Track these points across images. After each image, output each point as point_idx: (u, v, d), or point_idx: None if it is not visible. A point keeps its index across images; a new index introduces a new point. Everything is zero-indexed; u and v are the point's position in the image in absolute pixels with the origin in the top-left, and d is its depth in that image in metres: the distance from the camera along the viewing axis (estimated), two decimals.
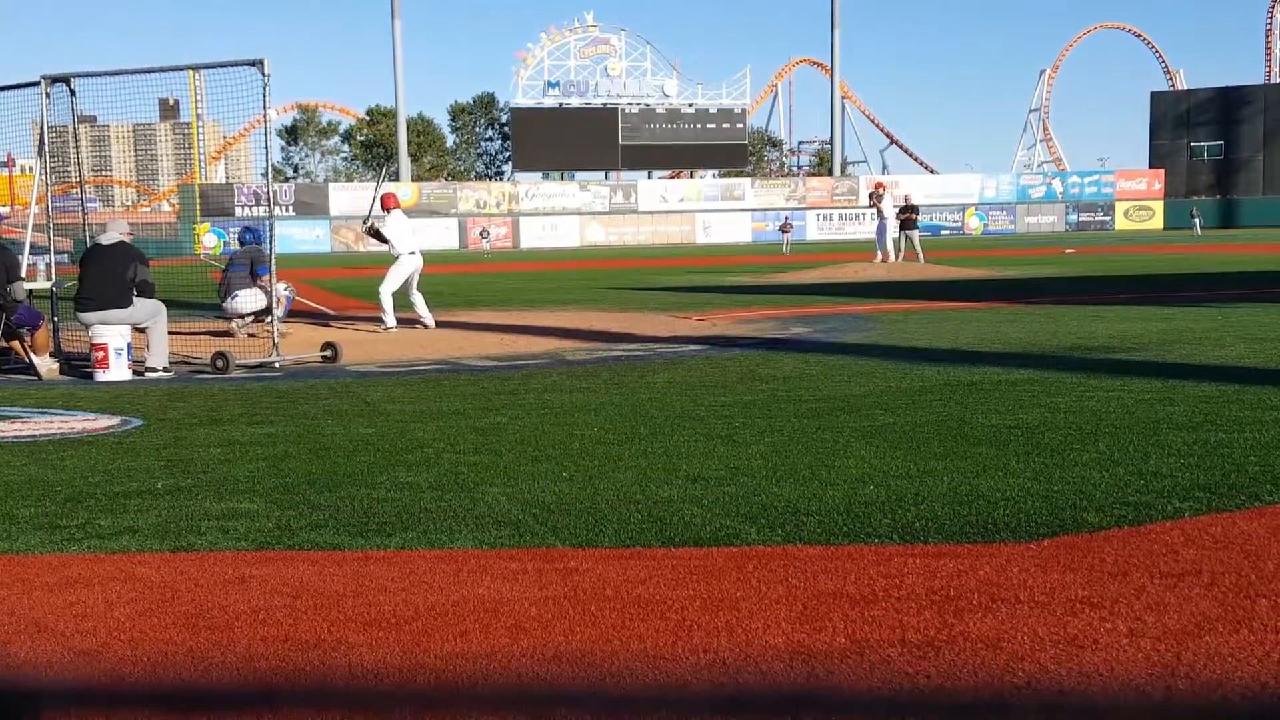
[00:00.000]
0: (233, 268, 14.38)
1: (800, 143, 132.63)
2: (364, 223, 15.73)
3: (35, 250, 13.59)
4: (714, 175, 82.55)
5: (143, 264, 11.19)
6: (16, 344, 11.47)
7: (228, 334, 14.13)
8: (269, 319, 12.04)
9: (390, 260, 15.11)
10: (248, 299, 13.98)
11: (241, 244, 14.75)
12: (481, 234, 65.18)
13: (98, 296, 11.00)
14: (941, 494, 5.23)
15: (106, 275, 11.03)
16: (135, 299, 11.09)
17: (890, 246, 28.66)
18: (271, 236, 12.53)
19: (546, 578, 4.14)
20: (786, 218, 58.88)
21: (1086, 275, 26.02)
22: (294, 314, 15.34)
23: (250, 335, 13.78)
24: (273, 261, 12.16)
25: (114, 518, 5.21)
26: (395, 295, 14.88)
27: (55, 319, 12.30)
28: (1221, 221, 74.30)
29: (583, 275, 31.75)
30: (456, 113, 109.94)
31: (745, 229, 73.61)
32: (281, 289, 14.12)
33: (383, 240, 15.06)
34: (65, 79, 12.18)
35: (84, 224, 12.98)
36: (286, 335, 13.39)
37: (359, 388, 9.70)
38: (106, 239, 11.35)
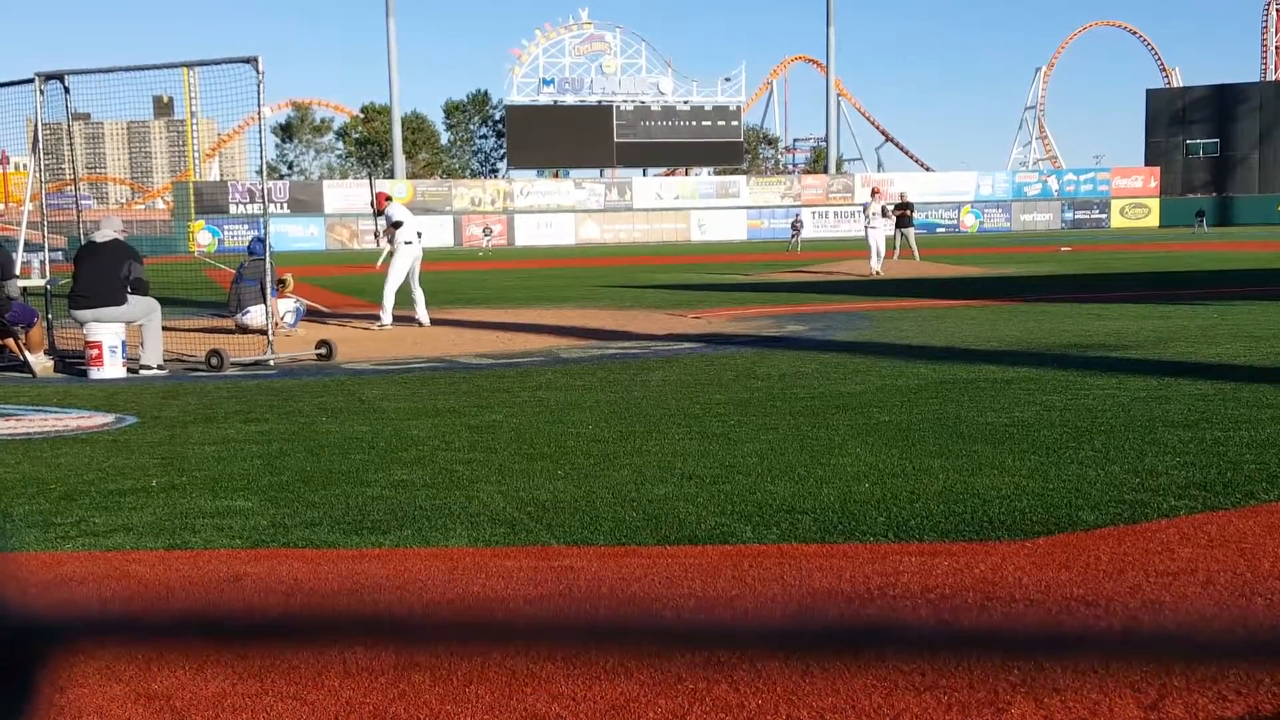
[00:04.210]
0: (243, 280, 14.45)
1: (795, 140, 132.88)
2: (378, 233, 15.96)
3: (29, 248, 13.58)
4: (709, 173, 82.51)
5: (137, 261, 11.19)
6: (11, 341, 11.45)
7: (224, 331, 14.16)
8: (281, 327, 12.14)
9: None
10: (259, 315, 13.99)
11: (251, 254, 14.69)
12: (484, 231, 65.09)
13: (92, 294, 10.99)
14: (937, 492, 5.23)
15: (101, 273, 11.02)
16: (130, 296, 11.09)
17: (878, 248, 28.23)
18: (267, 243, 12.56)
19: (541, 576, 4.13)
20: (798, 215, 59.04)
21: (1082, 273, 26.03)
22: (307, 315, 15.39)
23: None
24: (269, 277, 12.29)
25: (108, 515, 5.20)
26: (397, 290, 14.89)
27: (49, 316, 12.28)
28: (1217, 219, 74.40)
29: (578, 273, 31.73)
30: (451, 110, 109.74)
31: (740, 226, 73.65)
32: (292, 303, 14.21)
33: (397, 226, 15.12)
34: (60, 76, 12.15)
35: (78, 221, 12.98)
36: (291, 336, 13.50)
37: (354, 385, 9.69)
38: (101, 236, 11.33)
